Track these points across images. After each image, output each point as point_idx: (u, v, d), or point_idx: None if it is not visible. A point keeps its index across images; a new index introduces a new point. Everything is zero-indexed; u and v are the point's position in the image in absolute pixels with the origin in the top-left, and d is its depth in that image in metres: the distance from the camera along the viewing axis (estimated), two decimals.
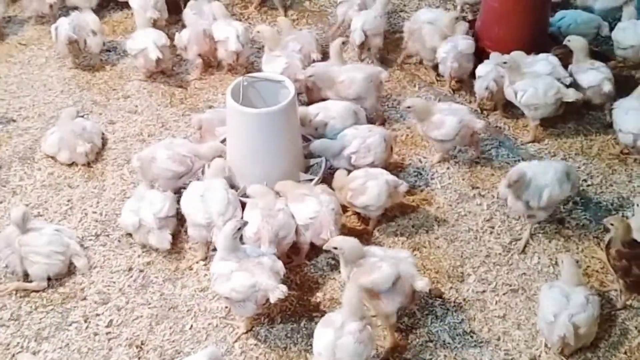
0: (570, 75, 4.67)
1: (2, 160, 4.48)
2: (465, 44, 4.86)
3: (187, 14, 5.48)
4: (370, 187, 3.86)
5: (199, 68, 5.19)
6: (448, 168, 4.49)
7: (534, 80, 4.46)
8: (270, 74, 4.08)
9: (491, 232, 4.06)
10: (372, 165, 4.06)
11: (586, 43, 4.79)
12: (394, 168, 4.44)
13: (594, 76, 4.65)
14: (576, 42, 4.77)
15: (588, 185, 4.37)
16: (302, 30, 5.52)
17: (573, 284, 3.43)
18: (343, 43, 4.98)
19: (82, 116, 4.81)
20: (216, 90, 5.09)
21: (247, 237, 3.63)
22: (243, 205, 3.81)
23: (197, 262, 3.83)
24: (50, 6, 5.55)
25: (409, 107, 4.32)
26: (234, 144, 3.97)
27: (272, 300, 3.26)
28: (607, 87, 4.62)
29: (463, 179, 4.40)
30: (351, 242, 3.40)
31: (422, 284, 3.30)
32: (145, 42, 4.92)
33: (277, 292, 3.24)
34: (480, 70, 4.71)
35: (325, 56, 5.25)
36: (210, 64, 5.28)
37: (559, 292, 3.37)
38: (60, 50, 5.25)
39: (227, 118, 3.95)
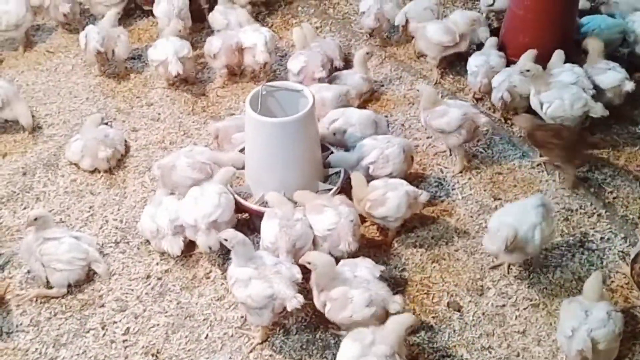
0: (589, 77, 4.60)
1: (27, 167, 4.55)
2: (498, 61, 4.82)
3: (217, 18, 5.50)
4: (390, 198, 3.82)
5: (223, 77, 5.21)
6: (470, 178, 4.42)
7: (560, 91, 4.38)
8: (289, 83, 4.07)
9: None
10: (390, 176, 4.02)
11: (602, 45, 4.73)
12: (415, 178, 4.40)
13: (613, 76, 4.61)
14: (593, 43, 4.74)
15: (614, 198, 4.26)
16: (325, 38, 5.52)
17: (594, 299, 3.34)
18: (367, 53, 4.97)
19: (106, 123, 4.87)
20: (238, 98, 5.10)
21: (264, 246, 3.63)
22: (261, 214, 3.81)
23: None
24: (65, 15, 5.63)
25: (418, 90, 4.39)
26: (252, 153, 3.97)
27: (288, 309, 3.25)
28: (629, 86, 4.56)
29: (485, 190, 4.33)
30: (325, 259, 3.37)
31: (395, 306, 3.29)
32: (166, 52, 4.95)
33: (294, 301, 3.23)
34: (495, 80, 4.65)
35: (348, 64, 5.26)
36: (234, 72, 5.30)
37: (579, 307, 3.29)
38: (88, 59, 5.33)
39: (246, 127, 3.95)
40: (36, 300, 3.72)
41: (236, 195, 3.93)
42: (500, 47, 5.03)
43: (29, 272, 3.83)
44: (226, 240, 3.37)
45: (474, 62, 4.81)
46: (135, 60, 5.55)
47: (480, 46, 5.15)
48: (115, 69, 5.40)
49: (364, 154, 4.07)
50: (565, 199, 4.25)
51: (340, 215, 3.67)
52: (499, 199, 4.28)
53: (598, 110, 4.35)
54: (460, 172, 4.43)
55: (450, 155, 4.53)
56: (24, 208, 4.26)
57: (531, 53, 4.66)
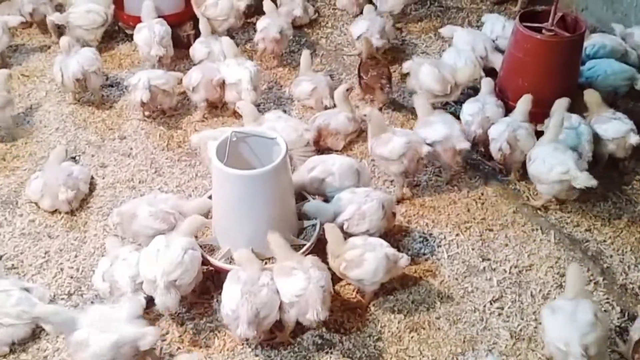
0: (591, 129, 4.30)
1: None
2: (495, 110, 4.47)
3: (198, 49, 5.23)
4: (367, 260, 3.48)
5: (202, 110, 4.92)
6: (457, 235, 4.09)
7: (546, 149, 4.02)
8: (262, 130, 3.74)
9: (499, 314, 3.64)
10: (367, 233, 3.69)
11: (599, 97, 4.44)
12: (398, 232, 4.08)
13: (618, 127, 4.29)
14: (589, 96, 4.45)
15: (614, 263, 3.91)
16: (318, 72, 5.21)
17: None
18: (347, 90, 4.67)
19: (74, 157, 4.58)
20: None
21: (224, 314, 3.30)
22: (226, 271, 3.49)
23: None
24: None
25: (365, 115, 4.21)
26: (219, 205, 3.65)
27: (142, 348, 3.03)
28: (634, 139, 4.23)
29: (473, 249, 4.00)
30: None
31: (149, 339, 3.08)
32: (139, 77, 4.68)
33: (148, 338, 3.07)
34: (494, 131, 4.30)
35: None
36: (215, 105, 5.00)
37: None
38: (63, 86, 5.02)
39: (212, 176, 3.64)
40: None
41: (199, 249, 3.62)
42: (498, 90, 4.72)
43: None
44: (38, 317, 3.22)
45: (468, 110, 4.47)
46: (112, 88, 5.27)
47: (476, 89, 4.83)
48: (92, 96, 5.11)
49: (340, 209, 3.73)
50: (560, 262, 3.91)
51: (310, 280, 3.33)
52: (488, 259, 3.94)
53: (582, 180, 3.88)
54: (398, 202, 4.18)
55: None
56: None
57: (527, 98, 4.34)
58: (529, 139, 4.23)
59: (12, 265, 3.87)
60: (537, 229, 4.11)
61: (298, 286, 3.30)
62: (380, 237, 3.77)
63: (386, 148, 4.09)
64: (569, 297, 3.26)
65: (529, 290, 3.76)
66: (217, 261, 3.62)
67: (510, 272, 3.86)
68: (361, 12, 6.18)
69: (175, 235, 3.52)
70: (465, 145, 4.18)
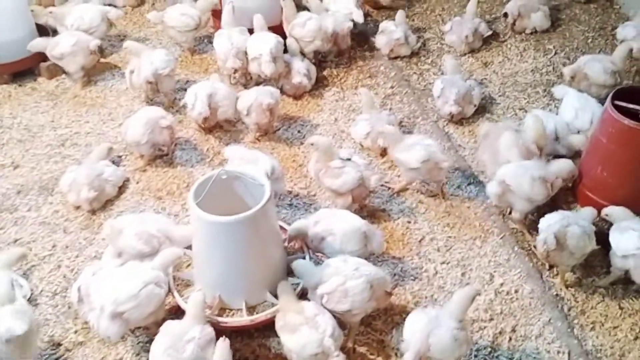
0: None
1: (25, 185, 4.46)
2: None
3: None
4: (300, 332, 3.10)
5: (254, 132, 4.77)
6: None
7: None
8: (252, 173, 3.43)
9: None
10: (349, 313, 3.26)
11: None
12: (403, 311, 3.59)
13: None
14: None
15: None
16: (382, 111, 4.81)
17: None
18: None
19: (120, 156, 4.67)
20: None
21: None
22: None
23: None
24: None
25: (312, 144, 4.03)
26: (194, 243, 3.46)
27: None
28: None
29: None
30: None
31: None
32: (195, 93, 4.67)
33: None
34: (544, 221, 3.62)
35: None
36: (267, 132, 4.81)
37: None
38: (138, 89, 5.13)
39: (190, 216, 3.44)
40: None
41: (171, 282, 3.48)
42: (578, 174, 4.00)
43: None
44: None
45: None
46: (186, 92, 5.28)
47: None
48: (164, 98, 5.16)
49: (324, 278, 3.31)
50: None
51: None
52: None
53: None
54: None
55: None
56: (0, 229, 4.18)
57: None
58: (582, 240, 3.51)
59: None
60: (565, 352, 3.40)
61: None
62: (371, 314, 3.38)
63: (409, 154, 4.16)
64: None
65: None
66: (180, 299, 3.44)
67: None
68: (471, 52, 5.70)
69: (147, 265, 3.39)
70: (449, 163, 4.22)
